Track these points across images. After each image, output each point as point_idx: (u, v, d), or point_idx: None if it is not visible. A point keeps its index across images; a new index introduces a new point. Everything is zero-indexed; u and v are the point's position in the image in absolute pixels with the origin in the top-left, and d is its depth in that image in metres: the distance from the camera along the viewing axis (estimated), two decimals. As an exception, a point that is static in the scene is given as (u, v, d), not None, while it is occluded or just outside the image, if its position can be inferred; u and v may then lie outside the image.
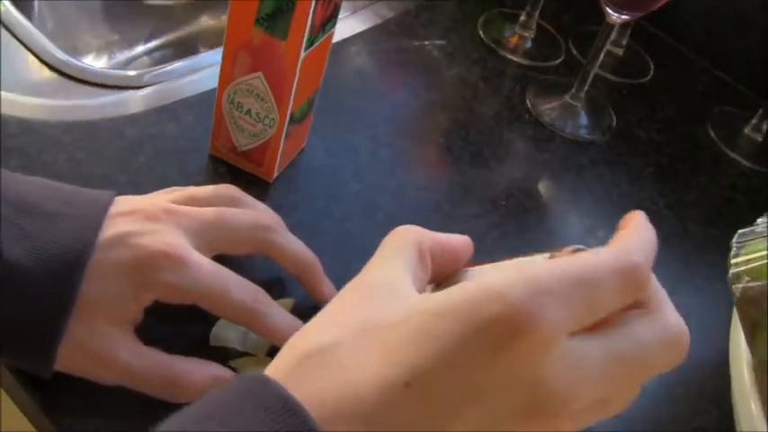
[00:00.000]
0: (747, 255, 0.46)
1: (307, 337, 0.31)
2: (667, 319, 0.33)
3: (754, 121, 0.78)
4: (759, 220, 0.49)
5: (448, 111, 0.73)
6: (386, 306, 0.31)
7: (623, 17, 0.66)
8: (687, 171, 0.74)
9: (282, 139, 0.57)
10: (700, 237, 0.68)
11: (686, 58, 0.86)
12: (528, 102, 0.74)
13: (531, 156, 0.71)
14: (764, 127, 0.78)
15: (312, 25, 0.51)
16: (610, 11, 0.66)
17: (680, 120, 0.79)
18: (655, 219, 0.67)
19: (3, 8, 0.67)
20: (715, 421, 0.55)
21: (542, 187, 0.69)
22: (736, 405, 0.48)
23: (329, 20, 0.53)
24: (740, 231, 0.48)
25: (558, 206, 0.68)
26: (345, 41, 0.76)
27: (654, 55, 0.85)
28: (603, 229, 0.66)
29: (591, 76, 0.71)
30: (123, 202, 0.46)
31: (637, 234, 0.35)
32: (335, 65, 0.72)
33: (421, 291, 0.35)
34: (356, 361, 0.29)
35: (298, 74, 0.53)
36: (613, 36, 0.82)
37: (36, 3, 0.74)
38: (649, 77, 0.82)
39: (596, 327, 0.32)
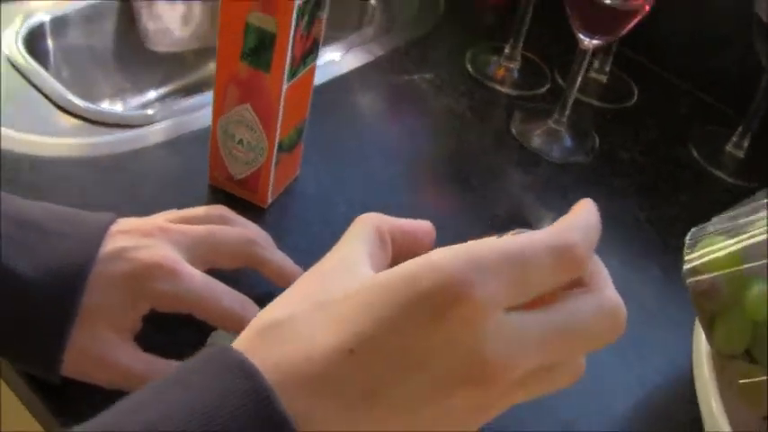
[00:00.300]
0: (700, 250, 0.49)
1: (267, 314, 0.35)
2: (605, 295, 0.35)
3: (734, 139, 0.81)
4: (713, 219, 0.52)
5: (437, 139, 0.77)
6: (341, 283, 0.34)
7: (594, 42, 0.70)
8: (670, 189, 0.77)
9: (273, 166, 0.61)
10: (681, 249, 0.71)
11: (669, 81, 0.90)
12: (513, 129, 0.78)
13: (517, 179, 0.74)
14: (745, 143, 0.81)
15: (292, 58, 0.56)
16: (582, 36, 0.70)
17: (663, 141, 0.83)
18: (636, 233, 0.71)
19: (21, 59, 0.73)
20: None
21: (528, 208, 0.72)
22: (699, 397, 0.51)
23: (309, 53, 0.58)
24: (693, 230, 0.51)
25: (542, 225, 0.71)
26: (340, 78, 0.81)
27: (638, 80, 0.89)
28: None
29: (571, 100, 0.75)
30: (123, 223, 0.50)
31: (578, 217, 0.36)
32: (330, 100, 0.77)
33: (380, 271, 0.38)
34: (308, 331, 0.33)
35: (282, 103, 0.57)
36: (596, 65, 0.86)
37: (51, 53, 0.80)
38: (633, 102, 0.86)
39: (537, 304, 0.34)
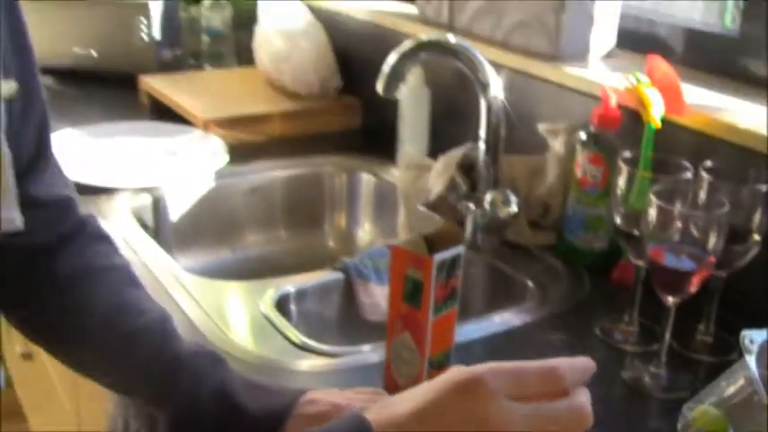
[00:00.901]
0: (694, 414, 0.70)
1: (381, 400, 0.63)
2: (576, 399, 0.59)
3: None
4: (701, 392, 0.72)
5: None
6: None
7: (672, 299, 0.94)
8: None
9: (425, 378, 0.89)
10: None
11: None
12: (624, 375, 1.01)
13: (622, 413, 0.96)
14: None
15: (435, 299, 0.86)
16: (664, 296, 0.95)
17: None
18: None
19: (273, 316, 1.10)
20: None
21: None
22: None
23: (449, 298, 0.88)
24: (687, 403, 0.72)
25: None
26: (499, 334, 1.10)
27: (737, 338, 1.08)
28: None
29: (665, 348, 0.98)
30: (317, 389, 0.81)
31: (572, 358, 0.62)
32: (491, 345, 1.06)
33: None
34: (397, 404, 0.60)
35: (429, 332, 0.87)
36: (702, 329, 1.09)
37: (294, 314, 1.17)
38: (735, 356, 1.06)
39: (532, 401, 0.58)
